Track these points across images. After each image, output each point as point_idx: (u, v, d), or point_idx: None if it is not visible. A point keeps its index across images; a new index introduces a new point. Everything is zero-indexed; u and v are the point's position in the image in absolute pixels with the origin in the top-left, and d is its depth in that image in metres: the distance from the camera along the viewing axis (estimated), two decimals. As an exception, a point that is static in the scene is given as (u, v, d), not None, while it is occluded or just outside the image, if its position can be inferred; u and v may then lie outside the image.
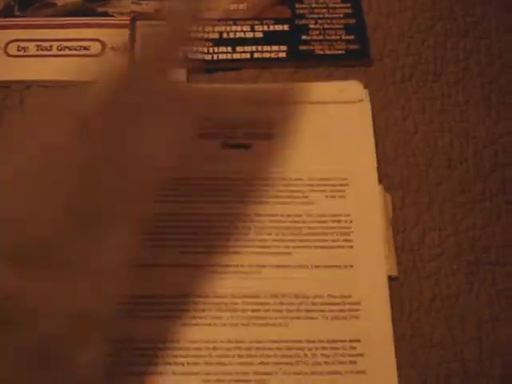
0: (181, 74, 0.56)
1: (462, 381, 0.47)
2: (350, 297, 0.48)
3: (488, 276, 0.50)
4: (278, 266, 0.49)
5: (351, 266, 0.49)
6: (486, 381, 0.46)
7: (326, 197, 0.51)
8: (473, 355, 0.47)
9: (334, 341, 0.47)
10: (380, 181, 0.52)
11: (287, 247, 0.50)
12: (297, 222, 0.50)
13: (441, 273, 0.50)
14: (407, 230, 0.52)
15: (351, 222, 0.51)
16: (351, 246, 0.50)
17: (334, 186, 0.52)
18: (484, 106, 0.57)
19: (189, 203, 0.51)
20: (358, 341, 0.47)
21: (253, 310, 0.47)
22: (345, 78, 0.57)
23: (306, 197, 0.51)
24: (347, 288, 0.48)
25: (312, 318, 0.47)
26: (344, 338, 0.47)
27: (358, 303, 0.48)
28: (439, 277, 0.50)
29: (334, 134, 0.54)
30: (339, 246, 0.50)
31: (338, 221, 0.51)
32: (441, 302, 0.49)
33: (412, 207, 0.52)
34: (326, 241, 0.50)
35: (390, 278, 0.49)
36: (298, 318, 0.47)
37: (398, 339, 0.47)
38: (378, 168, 0.53)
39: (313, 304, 0.48)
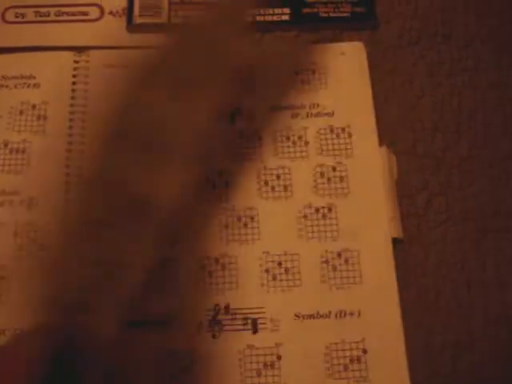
0: (181, 39, 0.55)
1: (467, 346, 0.46)
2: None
3: (495, 242, 0.49)
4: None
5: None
6: (491, 346, 0.45)
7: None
8: (478, 321, 0.46)
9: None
10: (386, 144, 0.51)
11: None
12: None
13: (447, 239, 0.49)
14: (413, 195, 0.50)
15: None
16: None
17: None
18: (494, 70, 0.55)
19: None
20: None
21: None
22: (349, 41, 0.55)
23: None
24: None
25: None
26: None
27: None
28: (445, 243, 0.49)
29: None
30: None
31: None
32: (446, 268, 0.48)
33: (418, 172, 0.51)
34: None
35: (395, 241, 0.48)
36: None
37: (403, 305, 0.46)
38: (384, 131, 0.52)
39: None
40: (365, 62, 0.53)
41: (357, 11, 0.56)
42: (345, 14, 0.56)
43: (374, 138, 0.51)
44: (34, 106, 0.52)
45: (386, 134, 0.52)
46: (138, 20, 0.55)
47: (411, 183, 0.51)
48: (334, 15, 0.56)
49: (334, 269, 0.47)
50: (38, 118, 0.51)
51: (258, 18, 0.56)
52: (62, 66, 0.53)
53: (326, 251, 0.48)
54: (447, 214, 0.50)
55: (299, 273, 0.47)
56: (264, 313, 0.46)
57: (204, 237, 0.48)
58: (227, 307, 0.46)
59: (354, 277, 0.47)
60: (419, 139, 0.52)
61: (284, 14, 0.56)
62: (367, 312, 0.46)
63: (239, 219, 0.49)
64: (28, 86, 0.52)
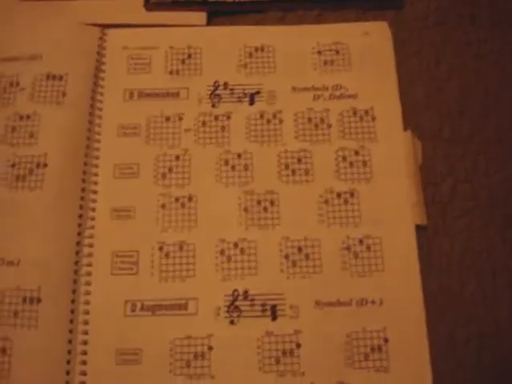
0: (200, 17, 0.53)
1: (493, 339, 0.44)
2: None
3: (523, 230, 0.47)
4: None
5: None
6: (519, 338, 0.44)
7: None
8: (504, 312, 0.45)
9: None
10: (411, 128, 0.49)
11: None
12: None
13: (472, 227, 0.48)
14: (438, 182, 0.49)
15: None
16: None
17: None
18: (522, 52, 0.53)
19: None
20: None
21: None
22: (374, 21, 0.54)
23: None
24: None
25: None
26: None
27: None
28: (471, 231, 0.47)
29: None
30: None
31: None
32: (472, 257, 0.47)
33: (443, 158, 0.50)
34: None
35: (419, 228, 0.47)
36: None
37: (427, 295, 0.45)
38: (409, 115, 0.50)
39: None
40: (390, 43, 0.52)
41: (382, -10, 0.54)
42: (370, -7, 0.54)
43: (399, 121, 0.49)
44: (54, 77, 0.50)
45: (411, 118, 0.50)
46: (156, -3, 0.54)
47: (436, 169, 0.49)
48: (359, -6, 0.54)
49: (356, 256, 0.46)
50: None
51: (280, -4, 0.54)
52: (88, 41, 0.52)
53: (348, 237, 0.46)
54: (473, 201, 0.48)
55: (320, 259, 0.46)
56: (283, 299, 0.45)
57: (223, 221, 0.47)
58: (246, 293, 0.45)
59: (376, 264, 0.46)
60: (445, 123, 0.51)
61: (307, -8, 0.54)
62: (389, 300, 0.45)
63: (259, 203, 0.47)
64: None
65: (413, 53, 0.53)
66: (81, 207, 0.47)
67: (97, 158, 0.49)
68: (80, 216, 0.47)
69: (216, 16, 0.54)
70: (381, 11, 0.54)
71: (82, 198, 0.47)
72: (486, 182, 0.49)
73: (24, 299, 0.44)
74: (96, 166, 0.49)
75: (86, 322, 0.44)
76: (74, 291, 0.45)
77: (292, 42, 0.52)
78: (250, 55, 0.52)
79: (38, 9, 0.53)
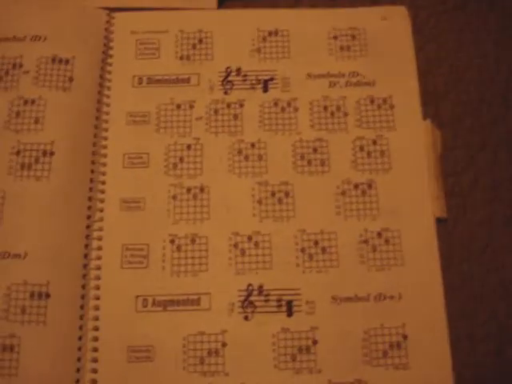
0: (211, 0, 0.51)
1: (515, 335, 0.43)
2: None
3: (545, 223, 0.46)
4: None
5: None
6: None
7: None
8: (529, 308, 0.44)
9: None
10: (430, 117, 0.48)
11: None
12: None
13: (494, 220, 0.46)
14: (458, 173, 0.47)
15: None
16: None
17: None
18: (541, 39, 0.52)
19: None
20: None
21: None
22: (391, 4, 0.52)
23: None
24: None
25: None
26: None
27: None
28: (492, 224, 0.46)
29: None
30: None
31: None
32: (493, 252, 0.45)
33: (464, 148, 0.48)
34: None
35: (439, 221, 0.45)
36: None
37: (447, 290, 0.43)
38: (428, 103, 0.48)
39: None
40: (408, 28, 0.50)
41: (400, -28, 0.52)
42: (387, -24, 0.52)
43: (418, 110, 0.48)
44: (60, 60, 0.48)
45: (430, 106, 0.49)
46: (165, -21, 0.51)
47: (456, 160, 0.48)
48: (376, -23, 0.52)
49: (374, 249, 0.44)
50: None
51: (294, -21, 0.52)
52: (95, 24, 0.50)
53: (366, 230, 0.45)
54: (494, 193, 0.47)
55: (336, 253, 0.44)
56: (299, 295, 0.43)
57: (236, 213, 0.45)
58: (261, 288, 0.44)
59: (395, 258, 0.44)
60: (465, 112, 0.49)
61: (322, -26, 0.52)
62: (408, 296, 0.43)
63: (273, 194, 0.46)
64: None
65: (431, 38, 0.51)
66: (89, 198, 0.45)
67: (105, 147, 0.47)
68: (89, 208, 0.45)
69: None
70: (398, -6, 0.52)
71: (91, 189, 0.46)
72: (508, 174, 0.47)
73: (32, 294, 0.42)
74: (104, 155, 0.47)
75: (96, 318, 0.43)
76: (83, 286, 0.44)
77: (307, 26, 0.50)
78: (264, 39, 0.50)
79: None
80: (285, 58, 0.49)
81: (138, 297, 0.43)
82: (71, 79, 0.47)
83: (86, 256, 0.44)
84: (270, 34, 0.50)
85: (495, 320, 0.44)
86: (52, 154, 0.45)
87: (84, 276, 0.44)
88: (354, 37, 0.50)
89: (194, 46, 0.50)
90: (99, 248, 0.45)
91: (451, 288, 0.44)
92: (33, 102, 0.47)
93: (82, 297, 0.43)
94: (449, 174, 0.47)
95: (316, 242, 0.45)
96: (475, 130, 0.48)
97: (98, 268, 0.44)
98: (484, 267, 0.45)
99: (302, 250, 0.44)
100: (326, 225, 0.45)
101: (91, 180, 0.46)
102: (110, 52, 0.50)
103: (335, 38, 0.50)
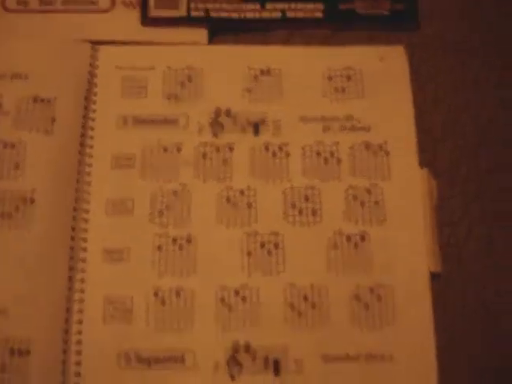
0: (201, 35, 0.49)
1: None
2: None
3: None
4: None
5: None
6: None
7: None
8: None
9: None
10: (426, 165, 0.46)
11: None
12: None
13: (490, 272, 0.45)
14: (453, 223, 0.46)
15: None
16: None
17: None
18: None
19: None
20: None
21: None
22: (387, 42, 0.50)
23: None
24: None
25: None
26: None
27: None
28: (488, 277, 0.45)
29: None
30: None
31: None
32: (488, 307, 0.44)
33: (460, 196, 0.46)
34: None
35: (433, 275, 0.44)
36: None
37: (440, 349, 0.42)
38: (423, 149, 0.47)
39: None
40: (406, 70, 0.48)
41: (397, 8, 0.50)
42: (384, 12, 0.50)
43: (414, 157, 0.46)
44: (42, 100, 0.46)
45: (427, 152, 0.47)
46: (153, 12, 0.49)
47: (452, 209, 0.46)
48: (372, 12, 0.50)
49: (366, 306, 0.43)
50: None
51: (288, 14, 0.50)
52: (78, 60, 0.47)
53: (358, 285, 0.43)
54: (490, 245, 0.45)
55: (327, 309, 0.43)
56: (287, 352, 0.42)
57: (224, 265, 0.44)
58: (247, 345, 0.42)
59: (387, 316, 0.43)
60: (462, 158, 0.47)
61: (317, 10, 0.50)
62: (400, 357, 0.42)
63: (262, 246, 0.44)
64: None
65: (428, 79, 0.49)
66: (71, 248, 0.44)
67: (88, 192, 0.45)
68: (71, 258, 0.43)
69: (218, 34, 0.50)
70: (395, 32, 0.50)
71: (73, 238, 0.44)
72: (505, 225, 0.46)
73: (12, 351, 0.41)
74: (87, 201, 0.45)
75: (77, 374, 0.41)
76: (65, 341, 0.42)
77: (300, 65, 0.48)
78: (255, 78, 0.48)
79: (22, 21, 0.49)
80: (276, 99, 0.47)
81: (120, 353, 0.42)
82: (53, 120, 0.45)
83: (67, 310, 0.42)
84: (261, 72, 0.48)
85: (488, 379, 0.42)
86: (32, 201, 0.43)
87: (66, 330, 0.42)
88: (349, 77, 0.48)
89: (182, 84, 0.48)
90: (81, 300, 0.43)
91: (445, 348, 0.42)
92: (12, 145, 0.45)
93: (64, 351, 0.42)
94: (444, 225, 0.45)
95: (306, 298, 0.43)
96: (472, 178, 0.47)
97: (80, 322, 0.42)
98: (478, 325, 0.43)
99: (291, 306, 0.43)
100: (317, 279, 0.43)
101: (73, 228, 0.44)
102: (95, 89, 0.47)
103: (330, 78, 0.48)
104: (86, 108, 0.47)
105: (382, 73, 0.48)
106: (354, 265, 0.44)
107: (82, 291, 0.43)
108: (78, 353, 0.42)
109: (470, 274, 0.45)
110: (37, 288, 0.42)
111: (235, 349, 0.42)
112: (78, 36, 0.48)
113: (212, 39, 0.50)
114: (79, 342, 0.42)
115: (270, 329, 0.42)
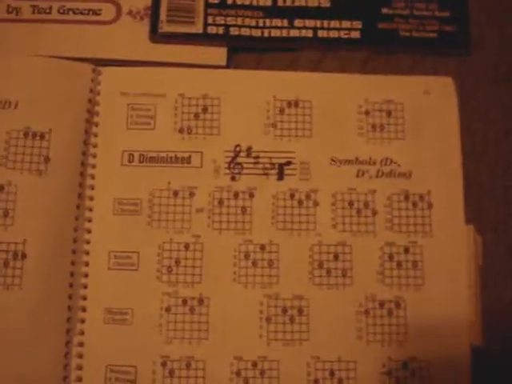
0: (219, 55, 0.42)
1: None
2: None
3: None
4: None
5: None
6: None
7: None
8: None
9: None
10: (471, 219, 0.41)
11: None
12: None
13: (537, 345, 0.40)
14: (499, 286, 0.41)
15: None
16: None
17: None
18: None
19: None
20: None
21: None
22: (433, 69, 0.43)
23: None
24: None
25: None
26: None
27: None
28: (534, 351, 0.40)
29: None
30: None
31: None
32: (534, 385, 0.39)
33: (507, 256, 0.41)
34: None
35: (474, 349, 0.39)
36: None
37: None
38: (468, 202, 0.41)
39: None
40: (454, 107, 0.42)
41: (446, 30, 0.43)
42: (431, 35, 0.43)
43: (460, 212, 0.41)
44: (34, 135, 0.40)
45: (471, 205, 0.41)
46: (164, 27, 0.42)
47: (498, 271, 0.41)
48: (417, 35, 0.43)
49: (398, 383, 0.38)
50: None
51: (320, 34, 0.43)
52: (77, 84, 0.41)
53: (390, 359, 0.39)
54: (539, 313, 0.40)
55: (355, 387, 0.38)
56: (310, 433, 0.38)
57: (240, 333, 0.39)
58: (265, 428, 0.38)
59: (422, 394, 0.38)
60: (511, 212, 0.42)
61: (354, 29, 0.43)
62: None
63: (284, 311, 0.39)
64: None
65: (478, 116, 0.43)
66: (69, 308, 0.38)
67: (87, 242, 0.40)
68: (68, 319, 0.38)
69: (239, 54, 0.43)
70: (442, 57, 0.44)
71: (70, 296, 0.39)
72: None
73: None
74: (87, 252, 0.39)
75: None
76: (59, 414, 0.37)
77: (334, 95, 0.42)
78: (281, 112, 0.42)
79: (11, 33, 0.42)
80: (305, 137, 0.41)
81: (123, 429, 0.37)
82: (47, 159, 0.39)
83: (64, 379, 0.38)
84: (288, 104, 0.42)
85: None
86: (24, 256, 0.38)
87: (62, 403, 0.37)
88: (389, 113, 0.42)
89: (196, 116, 0.42)
90: (79, 367, 0.38)
91: (484, 432, 0.38)
92: (1, 188, 0.39)
93: (61, 430, 0.37)
94: (487, 286, 0.40)
95: (332, 373, 0.38)
96: (522, 234, 0.41)
97: (78, 392, 0.38)
98: (522, 406, 0.39)
99: (315, 382, 0.38)
100: (345, 351, 0.39)
101: (71, 285, 0.39)
102: (96, 119, 0.41)
103: (367, 113, 0.42)
104: (85, 142, 0.40)
105: (427, 109, 0.42)
106: (387, 335, 0.39)
107: (80, 356, 0.38)
108: (76, 428, 0.37)
109: (515, 347, 0.40)
110: (31, 356, 0.37)
111: (252, 431, 0.38)
112: (76, 53, 0.42)
113: (232, 60, 0.43)
114: (76, 416, 0.37)
115: (291, 408, 0.38)
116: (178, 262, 0.40)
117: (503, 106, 0.43)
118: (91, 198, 0.40)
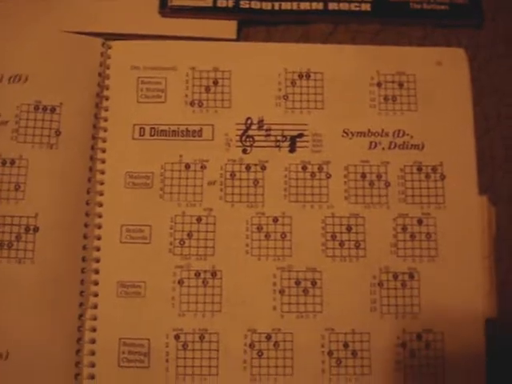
0: (229, 28, 0.42)
1: None
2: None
3: None
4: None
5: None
6: None
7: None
8: None
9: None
10: (486, 191, 0.40)
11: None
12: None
13: (551, 316, 0.40)
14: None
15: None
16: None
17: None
18: None
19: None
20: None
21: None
22: (445, 42, 0.43)
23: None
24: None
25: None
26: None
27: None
28: (549, 322, 0.40)
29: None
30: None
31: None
32: (549, 357, 0.39)
33: (521, 225, 0.41)
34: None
35: (487, 321, 0.39)
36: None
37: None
38: (482, 173, 0.41)
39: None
40: (467, 78, 0.42)
41: (458, 2, 0.43)
42: (442, 7, 0.43)
43: (474, 183, 0.40)
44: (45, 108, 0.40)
45: (484, 177, 0.41)
46: (174, 1, 0.42)
47: (511, 242, 0.41)
48: (428, 7, 0.43)
49: (413, 355, 0.38)
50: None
51: (331, 6, 0.43)
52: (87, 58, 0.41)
53: (404, 331, 0.39)
54: (554, 284, 0.40)
55: (369, 358, 0.38)
56: (324, 399, 0.38)
57: (253, 305, 0.39)
58: (280, 398, 0.38)
59: (436, 366, 0.38)
60: (526, 183, 0.41)
61: (365, 1, 0.43)
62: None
63: (298, 284, 0.39)
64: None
65: (492, 89, 0.43)
66: (82, 282, 0.38)
67: (99, 215, 0.39)
68: (81, 293, 0.38)
69: (249, 27, 0.43)
70: (454, 29, 0.43)
71: (83, 270, 0.38)
72: None
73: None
74: (99, 226, 0.39)
75: (88, 426, 0.37)
76: (75, 389, 0.37)
77: (346, 67, 0.42)
78: (293, 83, 0.41)
79: (18, 8, 0.41)
80: (317, 109, 0.41)
81: (138, 401, 0.37)
82: (58, 133, 0.39)
83: (78, 352, 0.38)
84: (300, 76, 0.42)
85: None
86: (36, 229, 0.38)
87: (76, 376, 0.37)
88: (401, 84, 0.42)
89: (207, 89, 0.41)
90: (93, 341, 0.38)
91: (499, 404, 0.38)
92: (12, 162, 0.39)
93: (74, 401, 0.37)
94: (502, 259, 0.40)
95: (346, 344, 0.38)
96: (537, 206, 0.41)
97: (92, 365, 0.38)
98: (537, 378, 0.39)
99: (329, 354, 0.38)
100: (359, 323, 0.38)
101: (83, 259, 0.38)
102: (106, 93, 0.41)
103: (379, 84, 0.41)
104: (96, 116, 0.40)
105: (439, 80, 0.41)
106: (401, 307, 0.39)
107: (94, 330, 0.38)
108: (91, 402, 0.37)
109: (530, 319, 0.39)
110: (42, 330, 0.37)
111: (266, 401, 0.37)
112: (85, 27, 0.41)
113: (242, 33, 0.43)
114: (91, 389, 0.37)
115: (306, 379, 0.38)
116: (190, 234, 0.39)
117: (516, 78, 0.43)
118: (102, 172, 0.40)
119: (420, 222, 0.40)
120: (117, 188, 0.40)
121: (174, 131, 0.41)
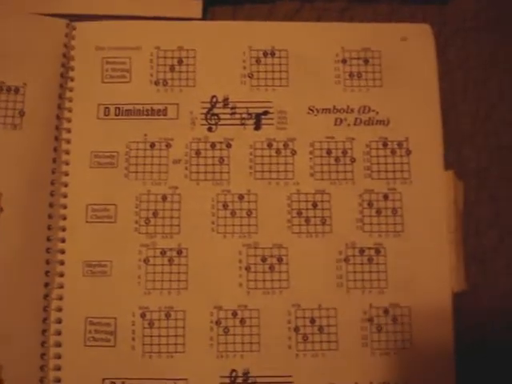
0: (194, 7, 0.42)
1: None
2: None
3: None
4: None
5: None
6: None
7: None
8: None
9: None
10: (452, 166, 0.40)
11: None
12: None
13: (519, 289, 0.40)
14: (480, 233, 0.40)
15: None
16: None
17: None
18: None
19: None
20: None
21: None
22: (411, 18, 0.43)
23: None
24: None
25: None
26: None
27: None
28: (516, 294, 0.40)
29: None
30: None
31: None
32: (517, 331, 0.39)
33: (489, 203, 0.41)
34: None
35: (456, 295, 0.39)
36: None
37: (461, 377, 0.38)
38: (449, 147, 0.41)
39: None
40: (432, 53, 0.41)
41: (424, -23, 0.43)
42: (408, -18, 0.43)
43: (439, 158, 0.40)
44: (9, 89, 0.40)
45: (451, 152, 0.41)
46: (138, -20, 0.42)
47: (479, 217, 0.40)
48: (395, -18, 0.43)
49: (379, 329, 0.38)
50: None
51: (296, -17, 0.43)
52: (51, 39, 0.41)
53: (371, 306, 0.38)
54: (521, 257, 0.40)
55: (336, 333, 0.38)
56: (292, 383, 0.37)
57: (219, 282, 0.39)
58: (246, 375, 0.38)
59: (403, 340, 0.38)
60: (493, 158, 0.41)
61: (330, -22, 0.43)
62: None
63: (264, 260, 0.39)
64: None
65: (457, 64, 0.43)
66: (47, 262, 0.38)
67: (65, 195, 0.39)
68: (46, 273, 0.38)
69: (214, 5, 0.43)
70: (420, 5, 0.43)
71: (48, 250, 0.38)
72: (538, 232, 0.40)
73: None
74: (64, 206, 0.39)
75: (55, 404, 0.37)
76: (41, 367, 0.37)
77: (310, 44, 0.42)
78: (258, 61, 0.41)
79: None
80: (282, 87, 0.41)
81: (104, 380, 0.37)
82: (22, 113, 0.39)
83: (44, 332, 0.38)
84: (265, 54, 0.42)
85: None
86: (0, 210, 0.38)
87: (42, 355, 0.37)
88: (366, 61, 0.41)
89: (172, 68, 0.41)
90: (59, 321, 0.38)
91: (467, 375, 0.38)
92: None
93: (41, 380, 0.37)
94: (469, 234, 0.40)
95: (312, 320, 0.38)
96: (504, 181, 0.41)
97: (58, 345, 0.38)
98: (507, 347, 0.39)
99: (296, 330, 0.38)
100: (325, 299, 0.38)
101: (48, 239, 0.38)
102: (71, 74, 0.41)
103: (344, 61, 0.41)
104: (60, 96, 0.40)
105: (405, 56, 0.41)
106: (368, 282, 0.39)
107: (60, 310, 0.38)
108: (57, 380, 0.37)
109: (498, 293, 0.39)
110: (8, 311, 0.37)
111: (232, 379, 0.37)
112: (50, 9, 0.41)
113: (208, 13, 0.43)
114: (58, 368, 0.37)
115: (272, 356, 0.38)
116: (155, 213, 0.39)
117: (483, 53, 0.43)
118: (67, 152, 0.40)
119: (386, 197, 0.40)
120: (82, 168, 0.40)
121: (138, 110, 0.41)
